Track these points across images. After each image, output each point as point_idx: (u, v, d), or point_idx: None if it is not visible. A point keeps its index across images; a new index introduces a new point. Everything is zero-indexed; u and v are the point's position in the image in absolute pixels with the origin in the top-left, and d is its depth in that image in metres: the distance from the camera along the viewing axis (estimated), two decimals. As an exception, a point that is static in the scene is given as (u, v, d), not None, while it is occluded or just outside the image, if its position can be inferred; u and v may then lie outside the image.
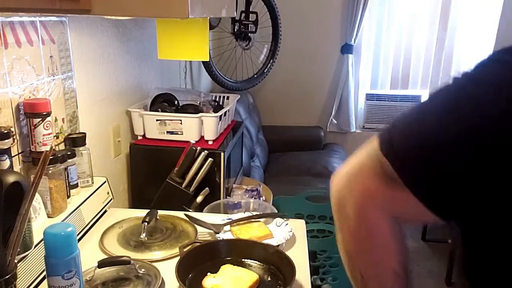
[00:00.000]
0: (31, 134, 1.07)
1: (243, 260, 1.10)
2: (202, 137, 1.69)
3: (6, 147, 0.95)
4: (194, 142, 1.63)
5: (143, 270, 1.02)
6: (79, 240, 1.15)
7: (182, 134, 1.66)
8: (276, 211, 1.42)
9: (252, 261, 1.10)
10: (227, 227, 1.27)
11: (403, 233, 0.62)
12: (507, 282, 0.55)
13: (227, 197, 1.73)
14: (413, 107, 0.59)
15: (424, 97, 3.70)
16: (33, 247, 0.95)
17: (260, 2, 2.90)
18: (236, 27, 2.79)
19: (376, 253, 0.63)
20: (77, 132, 1.33)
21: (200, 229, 1.26)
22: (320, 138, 3.65)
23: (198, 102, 1.83)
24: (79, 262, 0.84)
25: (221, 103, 2.01)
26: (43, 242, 0.82)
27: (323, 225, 2.08)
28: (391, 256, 0.62)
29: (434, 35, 3.60)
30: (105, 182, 1.36)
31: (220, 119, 1.73)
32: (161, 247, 1.17)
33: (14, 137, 1.04)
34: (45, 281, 0.85)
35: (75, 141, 1.26)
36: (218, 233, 1.23)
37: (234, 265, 1.05)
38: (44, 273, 0.93)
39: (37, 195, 1.03)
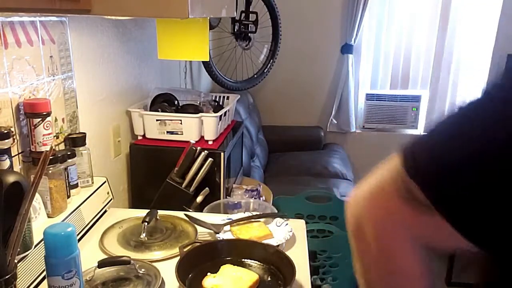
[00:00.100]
0: (31, 134, 1.07)
1: (243, 260, 1.10)
2: (202, 137, 1.69)
3: (6, 147, 0.95)
4: (194, 142, 1.63)
5: (143, 270, 1.02)
6: (79, 240, 1.15)
7: (182, 134, 1.66)
8: (276, 211, 1.42)
9: (252, 261, 1.10)
10: (227, 227, 1.27)
11: (428, 259, 0.57)
12: None
13: (227, 197, 1.73)
14: (439, 122, 0.55)
15: (424, 97, 3.72)
16: (33, 247, 0.95)
17: (260, 2, 2.90)
18: (236, 27, 2.79)
19: (399, 281, 0.58)
20: (77, 132, 1.33)
21: (200, 229, 1.26)
22: (320, 138, 3.65)
23: (198, 102, 1.83)
24: (79, 262, 0.84)
25: (221, 103, 2.01)
26: (43, 242, 0.82)
27: (323, 225, 2.08)
28: (415, 285, 0.57)
29: (434, 35, 3.60)
30: (105, 182, 1.36)
31: (220, 119, 1.73)
32: (161, 247, 1.17)
33: (14, 137, 1.04)
34: (45, 281, 0.85)
35: (75, 141, 1.26)
36: (218, 233, 1.23)
37: (234, 265, 1.05)
38: (44, 273, 0.93)
39: (37, 195, 1.03)
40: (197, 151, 1.54)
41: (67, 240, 0.81)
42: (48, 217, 1.08)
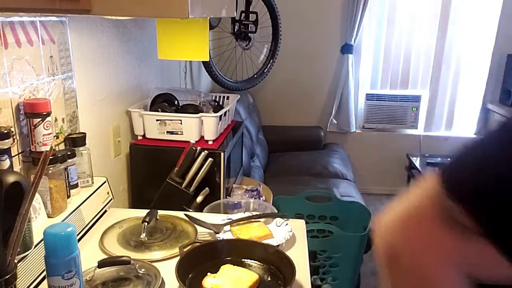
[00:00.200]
0: (31, 134, 1.07)
1: (243, 260, 1.10)
2: (202, 137, 1.69)
3: (6, 147, 0.95)
4: (194, 142, 1.63)
5: (143, 270, 1.02)
6: (79, 240, 1.15)
7: (182, 134, 1.66)
8: (276, 211, 1.42)
9: (252, 261, 1.09)
10: (227, 227, 1.27)
11: None
12: None
13: (227, 197, 1.73)
14: (478, 140, 0.50)
15: (424, 97, 3.72)
16: (33, 247, 0.95)
17: (260, 2, 2.90)
18: (236, 27, 2.80)
19: None
20: (77, 132, 1.33)
21: (200, 229, 1.26)
22: (320, 138, 3.65)
23: (198, 102, 1.83)
24: (79, 262, 0.84)
25: (221, 103, 2.01)
26: (43, 242, 0.82)
27: (323, 225, 2.08)
28: None
29: (434, 35, 3.60)
30: (105, 182, 1.36)
31: (220, 119, 1.73)
32: (161, 247, 1.17)
33: (14, 137, 1.04)
34: (45, 281, 0.85)
35: (75, 141, 1.26)
36: (218, 233, 1.23)
37: (234, 265, 1.05)
38: (44, 273, 0.93)
39: (37, 195, 1.03)
40: (197, 151, 1.54)
41: (67, 240, 0.81)
42: (48, 217, 1.08)
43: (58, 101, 1.24)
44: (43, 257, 0.82)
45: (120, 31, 1.62)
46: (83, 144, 1.27)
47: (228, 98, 2.06)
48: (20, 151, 1.07)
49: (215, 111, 1.77)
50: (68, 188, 1.17)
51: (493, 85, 3.61)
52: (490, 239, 0.42)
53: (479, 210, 0.42)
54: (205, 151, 1.55)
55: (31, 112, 1.06)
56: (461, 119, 3.79)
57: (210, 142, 1.68)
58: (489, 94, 3.64)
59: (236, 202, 1.53)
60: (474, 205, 0.43)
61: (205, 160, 1.54)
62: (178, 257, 1.05)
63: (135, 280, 1.00)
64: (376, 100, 3.75)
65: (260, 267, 1.08)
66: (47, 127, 1.08)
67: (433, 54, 3.64)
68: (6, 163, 0.96)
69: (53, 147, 1.16)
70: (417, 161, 3.36)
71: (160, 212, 1.33)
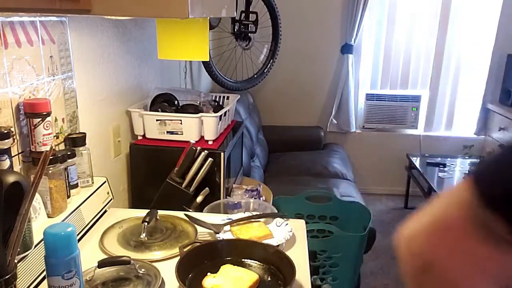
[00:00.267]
0: (31, 134, 1.07)
1: (243, 260, 1.10)
2: (202, 137, 1.69)
3: (6, 147, 0.95)
4: (194, 142, 1.63)
5: (143, 270, 1.02)
6: (79, 240, 1.15)
7: (182, 134, 1.66)
8: (276, 211, 1.42)
9: (252, 261, 1.09)
10: (227, 227, 1.27)
11: None
12: None
13: (227, 197, 1.73)
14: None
15: (424, 97, 3.72)
16: (33, 247, 0.95)
17: (260, 2, 2.90)
18: (236, 27, 2.80)
19: None
20: (77, 132, 1.33)
21: (200, 229, 1.26)
22: (320, 138, 3.65)
23: (198, 102, 1.83)
24: (79, 262, 0.84)
25: (221, 103, 2.01)
26: (43, 242, 0.82)
27: (323, 225, 2.08)
28: None
29: (434, 35, 3.60)
30: (105, 182, 1.36)
31: (220, 119, 1.73)
32: (161, 247, 1.17)
33: (14, 137, 1.04)
34: (45, 281, 0.85)
35: (75, 141, 1.26)
36: (218, 233, 1.23)
37: (234, 265, 1.05)
38: (44, 273, 0.93)
39: (37, 195, 1.03)
40: (197, 151, 1.54)
41: (67, 240, 0.81)
42: (48, 217, 1.08)
43: (58, 101, 1.24)
44: (43, 257, 0.82)
45: (120, 31, 1.62)
46: (83, 144, 1.27)
47: (228, 98, 2.06)
48: (20, 151, 1.07)
49: (215, 111, 1.77)
50: (68, 188, 1.17)
51: (493, 85, 3.61)
52: None
53: None
54: (205, 151, 1.55)
55: (31, 112, 1.06)
56: (461, 119, 3.79)
57: (210, 142, 1.68)
58: (489, 94, 3.64)
59: (236, 202, 1.53)
60: (508, 211, 0.40)
61: (205, 160, 1.54)
62: (178, 257, 1.05)
63: (135, 280, 1.00)
64: (376, 100, 3.75)
65: (260, 267, 1.08)
66: (47, 127, 1.08)
67: (433, 54, 3.64)
68: (6, 163, 0.96)
69: (53, 147, 1.16)
70: (417, 161, 3.36)
71: (160, 212, 1.33)
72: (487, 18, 3.52)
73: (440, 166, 3.26)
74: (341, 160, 3.37)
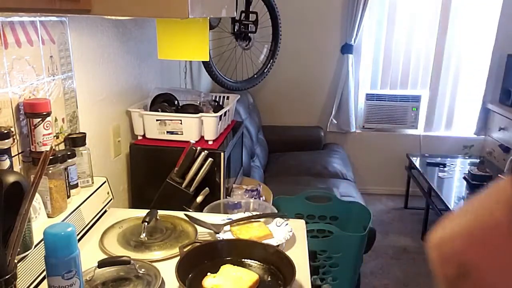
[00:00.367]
0: (31, 134, 1.07)
1: (243, 260, 1.10)
2: (202, 137, 1.69)
3: (6, 147, 0.95)
4: (194, 142, 1.63)
5: (143, 270, 1.02)
6: (79, 240, 1.15)
7: (182, 134, 1.66)
8: (276, 211, 1.42)
9: (252, 261, 1.09)
10: (227, 227, 1.27)
11: None
12: None
13: (227, 197, 1.73)
14: None
15: (424, 97, 3.72)
16: (33, 247, 0.95)
17: (260, 2, 2.90)
18: (236, 27, 2.80)
19: None
20: (77, 132, 1.33)
21: (200, 229, 1.26)
22: (320, 138, 3.65)
23: (198, 102, 1.83)
24: (79, 262, 0.84)
25: (221, 103, 2.01)
26: (43, 242, 0.82)
27: (323, 225, 2.08)
28: None
29: (434, 35, 3.60)
30: (105, 182, 1.36)
31: (220, 119, 1.73)
32: (161, 247, 1.17)
33: (14, 137, 1.04)
34: (45, 281, 0.85)
35: (75, 141, 1.26)
36: (218, 233, 1.23)
37: (234, 265, 1.05)
38: (44, 273, 0.93)
39: (37, 195, 1.03)
40: (197, 151, 1.54)
41: (67, 240, 0.81)
42: (48, 217, 1.08)
43: (58, 101, 1.24)
44: (43, 257, 0.82)
45: (120, 31, 1.62)
46: (83, 144, 1.27)
47: (228, 98, 2.06)
48: (20, 151, 1.07)
49: (215, 111, 1.77)
50: (68, 188, 1.17)
51: (493, 85, 3.61)
52: None
53: None
54: (205, 151, 1.55)
55: (31, 112, 1.06)
56: (461, 119, 3.80)
57: (210, 142, 1.68)
58: (489, 94, 3.64)
59: (236, 202, 1.53)
60: None
61: (205, 160, 1.54)
62: (178, 257, 1.05)
63: (135, 280, 1.00)
64: (376, 100, 3.75)
65: (260, 267, 1.08)
66: (47, 127, 1.08)
67: (433, 54, 3.64)
68: (6, 163, 0.96)
69: (53, 147, 1.16)
70: (417, 161, 3.36)
71: (160, 212, 1.33)
72: (487, 18, 3.52)
73: (440, 166, 3.26)
74: (341, 160, 3.37)
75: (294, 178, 3.03)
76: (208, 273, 1.01)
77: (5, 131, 0.95)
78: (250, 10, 2.82)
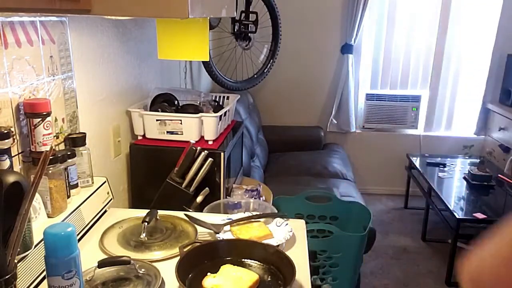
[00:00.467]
0: (31, 134, 1.07)
1: (243, 260, 1.10)
2: (202, 137, 1.69)
3: (6, 147, 0.95)
4: (194, 142, 1.63)
5: (143, 270, 1.02)
6: (79, 240, 1.15)
7: (182, 134, 1.66)
8: (276, 211, 1.42)
9: (252, 261, 1.09)
10: (227, 227, 1.27)
11: None
12: None
13: (227, 197, 1.73)
14: None
15: (424, 97, 3.72)
16: (33, 247, 0.95)
17: (260, 2, 2.90)
18: (236, 27, 2.80)
19: None
20: (77, 132, 1.33)
21: (200, 229, 1.26)
22: (320, 138, 3.65)
23: (198, 102, 1.83)
24: (79, 262, 0.84)
25: (221, 103, 2.01)
26: (43, 242, 0.82)
27: (323, 225, 2.08)
28: None
29: (434, 35, 3.60)
30: (105, 182, 1.36)
31: (220, 119, 1.73)
32: (161, 247, 1.17)
33: (14, 137, 1.04)
34: (45, 281, 0.85)
35: (75, 141, 1.26)
36: (218, 233, 1.23)
37: (234, 265, 1.05)
38: (44, 273, 0.93)
39: (37, 195, 1.03)
40: (197, 151, 1.54)
41: (67, 240, 0.81)
42: (48, 217, 1.08)
43: (58, 101, 1.24)
44: (43, 257, 0.82)
45: (120, 31, 1.62)
46: (83, 144, 1.27)
47: (228, 98, 2.06)
48: (20, 151, 1.07)
49: (215, 111, 1.77)
50: (68, 188, 1.17)
51: (493, 85, 3.61)
52: None
53: None
54: (205, 151, 1.55)
55: (31, 112, 1.06)
56: (461, 119, 3.80)
57: (210, 142, 1.68)
58: (489, 94, 3.64)
59: (236, 202, 1.53)
60: None
61: (205, 160, 1.54)
62: (178, 257, 1.05)
63: (135, 280, 1.00)
64: (376, 100, 3.75)
65: (260, 267, 1.08)
66: (47, 127, 1.08)
67: (433, 54, 3.64)
68: (6, 163, 0.96)
69: (53, 147, 1.16)
70: (417, 161, 3.36)
71: (160, 212, 1.33)
72: (487, 18, 3.52)
73: (440, 166, 3.26)
74: (341, 160, 3.37)
75: (294, 178, 3.02)
76: (208, 273, 1.01)
77: (5, 131, 0.95)
78: (250, 10, 2.82)
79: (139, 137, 1.71)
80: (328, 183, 2.93)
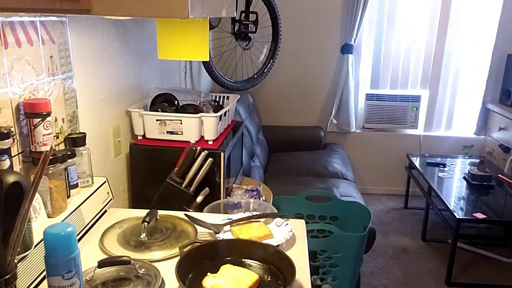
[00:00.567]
0: (31, 134, 1.07)
1: (243, 260, 1.10)
2: (202, 137, 1.69)
3: (6, 147, 0.95)
4: (194, 142, 1.63)
5: (143, 270, 1.02)
6: (79, 240, 1.15)
7: (182, 134, 1.66)
8: (276, 211, 1.42)
9: (252, 261, 1.09)
10: (227, 227, 1.27)
11: None
12: None
13: (227, 197, 1.73)
14: None
15: (424, 97, 3.72)
16: (33, 247, 0.95)
17: (260, 2, 2.90)
18: (236, 27, 2.80)
19: None
20: (77, 132, 1.33)
21: (200, 229, 1.26)
22: (320, 138, 3.65)
23: (198, 102, 1.83)
24: (79, 262, 0.84)
25: (221, 103, 2.01)
26: (43, 242, 0.82)
27: (323, 225, 2.08)
28: None
29: (434, 35, 3.60)
30: (105, 182, 1.36)
31: (220, 119, 1.73)
32: (161, 247, 1.17)
33: (14, 137, 1.04)
34: (45, 281, 0.85)
35: (75, 141, 1.26)
36: (218, 233, 1.23)
37: (234, 265, 1.05)
38: (44, 273, 0.93)
39: (37, 195, 1.03)
40: (197, 151, 1.54)
41: (67, 240, 0.81)
42: (48, 217, 1.08)
43: (58, 101, 1.24)
44: (43, 257, 0.82)
45: (120, 31, 1.62)
46: (83, 144, 1.27)
47: (228, 98, 2.06)
48: (20, 151, 1.07)
49: (215, 111, 1.77)
50: (68, 188, 1.17)
51: (493, 85, 3.61)
52: None
53: None
54: (205, 151, 1.55)
55: (31, 112, 1.06)
56: (461, 119, 3.80)
57: (210, 142, 1.68)
58: (489, 94, 3.64)
59: (236, 202, 1.53)
60: None
61: (205, 160, 1.54)
62: (178, 257, 1.05)
63: (135, 280, 1.00)
64: (376, 100, 3.75)
65: (260, 267, 1.08)
66: (47, 127, 1.08)
67: (433, 54, 3.64)
68: (6, 163, 0.96)
69: (53, 147, 1.16)
70: (417, 161, 3.36)
71: (160, 212, 1.33)
72: (487, 18, 3.52)
73: (440, 166, 3.26)
74: (341, 160, 3.37)
75: (294, 178, 3.03)
76: (208, 273, 1.01)
77: (5, 131, 0.95)
78: (250, 10, 2.82)
79: (139, 137, 1.71)
80: (328, 183, 2.93)
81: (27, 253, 0.92)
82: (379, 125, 3.82)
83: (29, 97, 1.10)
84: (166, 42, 1.71)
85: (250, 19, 2.83)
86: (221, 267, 1.03)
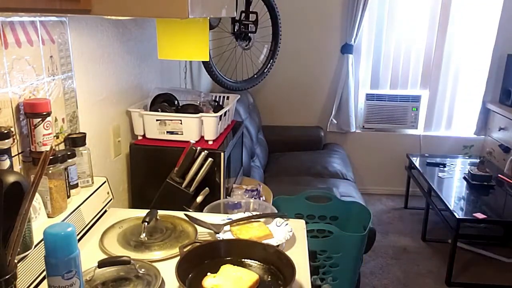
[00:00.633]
0: (31, 134, 1.07)
1: (243, 260, 1.10)
2: (202, 137, 1.69)
3: (6, 147, 0.95)
4: (194, 142, 1.63)
5: (143, 270, 1.02)
6: (79, 240, 1.15)
7: (182, 134, 1.66)
8: (276, 211, 1.42)
9: (252, 261, 1.10)
10: (227, 227, 1.27)
11: None
12: None
13: (227, 197, 1.73)
14: None
15: (424, 97, 3.72)
16: (33, 247, 0.95)
17: (260, 2, 2.90)
18: (236, 27, 2.80)
19: None
20: (77, 132, 1.34)
21: (200, 229, 1.26)
22: (320, 138, 3.66)
23: (198, 102, 1.83)
24: (79, 262, 0.84)
25: (221, 103, 2.01)
26: (43, 242, 0.82)
27: (323, 225, 2.08)
28: None
29: (434, 35, 3.60)
30: (105, 182, 1.36)
31: (220, 119, 1.73)
32: (161, 247, 1.17)
33: (14, 137, 1.04)
34: (45, 281, 0.85)
35: (75, 141, 1.26)
36: (218, 233, 1.23)
37: (234, 265, 1.05)
38: (44, 273, 0.93)
39: (37, 195, 1.03)
40: (197, 151, 1.54)
41: (67, 240, 0.81)
42: (48, 217, 1.08)
43: (58, 101, 1.24)
44: (43, 257, 0.82)
45: (120, 31, 1.62)
46: (83, 144, 1.27)
47: (228, 98, 2.06)
48: (20, 151, 1.07)
49: (215, 111, 1.77)
50: (68, 188, 1.17)
51: (493, 85, 3.61)
52: None
53: None
54: (205, 151, 1.55)
55: (31, 112, 1.06)
56: (461, 119, 3.80)
57: (210, 142, 1.68)
58: (489, 94, 3.64)
59: (236, 202, 1.53)
60: None
61: (205, 160, 1.54)
62: (178, 257, 1.05)
63: (135, 280, 1.00)
64: (376, 100, 3.75)
65: (260, 267, 1.08)
66: (47, 127, 1.08)
67: (433, 54, 3.64)
68: (6, 163, 0.96)
69: (53, 147, 1.16)
70: (417, 161, 3.36)
71: (160, 212, 1.33)
72: (487, 18, 3.52)
73: (440, 166, 3.26)
74: (341, 160, 3.38)
75: (294, 178, 3.03)
76: (208, 273, 1.01)
77: (5, 131, 0.95)
78: (250, 10, 2.82)
79: (139, 137, 1.71)
80: (328, 183, 2.93)
81: (27, 253, 0.92)
82: (379, 125, 3.82)
83: (29, 97, 1.10)
84: (166, 42, 1.71)
85: (250, 19, 2.83)
86: (221, 267, 1.03)
